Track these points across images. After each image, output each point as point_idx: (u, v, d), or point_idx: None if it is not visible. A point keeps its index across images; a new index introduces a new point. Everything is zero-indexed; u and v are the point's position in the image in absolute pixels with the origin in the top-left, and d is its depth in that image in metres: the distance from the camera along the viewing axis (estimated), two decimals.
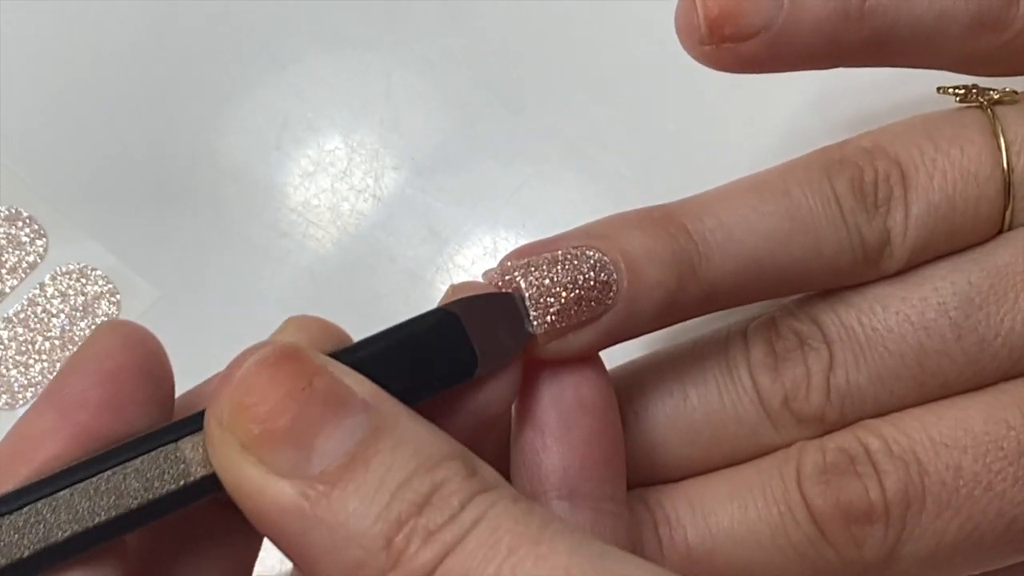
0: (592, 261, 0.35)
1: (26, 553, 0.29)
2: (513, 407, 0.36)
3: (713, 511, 0.38)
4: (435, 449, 0.29)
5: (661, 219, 0.36)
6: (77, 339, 0.48)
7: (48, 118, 0.52)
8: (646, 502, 0.39)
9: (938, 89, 0.40)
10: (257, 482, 0.28)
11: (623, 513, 0.36)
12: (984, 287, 0.37)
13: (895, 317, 0.38)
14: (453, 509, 0.28)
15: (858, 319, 0.38)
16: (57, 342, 0.48)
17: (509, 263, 0.35)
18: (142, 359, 0.31)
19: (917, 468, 0.36)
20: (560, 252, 0.35)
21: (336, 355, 0.31)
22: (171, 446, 0.30)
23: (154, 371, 0.31)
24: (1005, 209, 0.38)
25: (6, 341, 0.48)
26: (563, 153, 0.50)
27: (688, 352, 0.40)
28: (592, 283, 0.35)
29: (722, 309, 0.38)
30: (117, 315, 0.48)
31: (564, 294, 0.34)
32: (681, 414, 0.39)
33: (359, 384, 0.30)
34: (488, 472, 0.30)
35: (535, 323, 0.34)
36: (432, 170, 0.50)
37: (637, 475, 0.39)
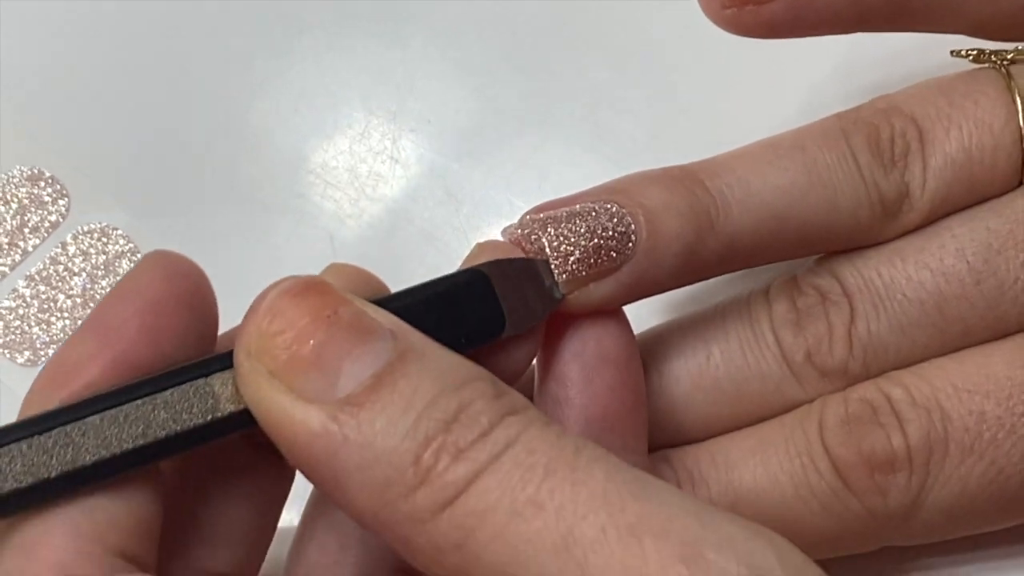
0: (611, 213, 0.35)
1: (53, 474, 0.29)
2: (536, 359, 0.36)
3: (735, 466, 0.38)
4: (463, 372, 0.30)
5: (680, 175, 0.37)
6: (98, 297, 0.48)
7: (71, 80, 0.52)
8: (669, 461, 0.39)
9: (952, 52, 0.40)
10: (286, 408, 0.29)
11: (645, 466, 0.36)
12: (1003, 232, 0.37)
13: (914, 265, 0.38)
14: (483, 427, 0.28)
15: (877, 270, 0.38)
16: (78, 300, 0.48)
17: (529, 218, 0.36)
18: (184, 290, 0.31)
19: (940, 415, 0.37)
20: (579, 206, 0.35)
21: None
22: (201, 380, 0.30)
23: (196, 303, 0.32)
24: (1023, 163, 0.38)
25: (28, 299, 0.48)
26: (577, 117, 0.50)
27: (711, 313, 0.40)
28: (611, 233, 0.35)
29: (742, 268, 0.38)
30: None
31: (583, 243, 0.35)
32: (705, 373, 0.39)
33: (384, 316, 0.30)
34: (517, 396, 0.30)
35: (555, 273, 0.35)
36: (449, 133, 0.51)
37: (661, 436, 0.39)
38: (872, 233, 0.38)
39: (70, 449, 0.29)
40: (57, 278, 0.49)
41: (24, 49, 0.53)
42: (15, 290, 0.48)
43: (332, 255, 0.49)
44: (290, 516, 0.36)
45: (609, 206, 0.35)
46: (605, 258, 0.35)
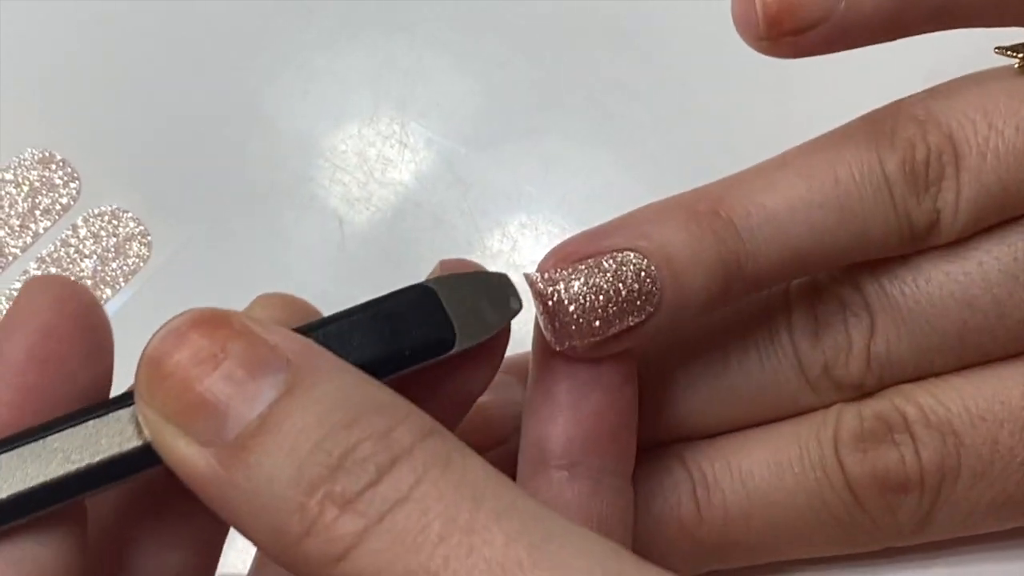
0: (635, 268, 0.34)
1: None
2: (530, 370, 0.36)
3: (751, 475, 0.38)
4: (355, 404, 0.28)
5: (706, 214, 0.35)
6: (108, 279, 0.48)
7: (82, 64, 0.53)
8: (684, 461, 0.39)
9: (996, 49, 0.38)
10: (181, 451, 0.28)
11: (625, 487, 0.36)
12: None
13: (939, 291, 0.37)
14: (370, 477, 0.27)
15: (901, 290, 0.37)
16: (89, 282, 0.48)
17: (551, 271, 0.34)
18: (76, 312, 0.30)
19: (954, 440, 0.37)
20: (604, 259, 0.34)
21: (302, 328, 0.30)
22: (121, 412, 0.29)
23: (89, 322, 0.31)
24: None
25: None
26: (584, 102, 0.50)
27: (729, 315, 0.39)
28: (636, 294, 0.34)
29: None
30: (148, 257, 0.49)
31: (609, 307, 0.34)
32: (722, 378, 0.39)
33: (287, 341, 0.28)
34: (415, 425, 0.28)
35: (575, 333, 0.34)
36: (457, 117, 0.51)
37: (674, 431, 0.39)
38: (898, 252, 0.37)
39: None
40: (68, 260, 0.49)
41: (36, 33, 0.53)
42: (26, 272, 0.49)
43: (341, 238, 0.49)
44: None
45: (634, 259, 0.34)
46: (629, 322, 0.34)
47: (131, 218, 0.49)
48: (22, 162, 0.50)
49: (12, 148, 0.51)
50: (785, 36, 0.35)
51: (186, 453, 0.28)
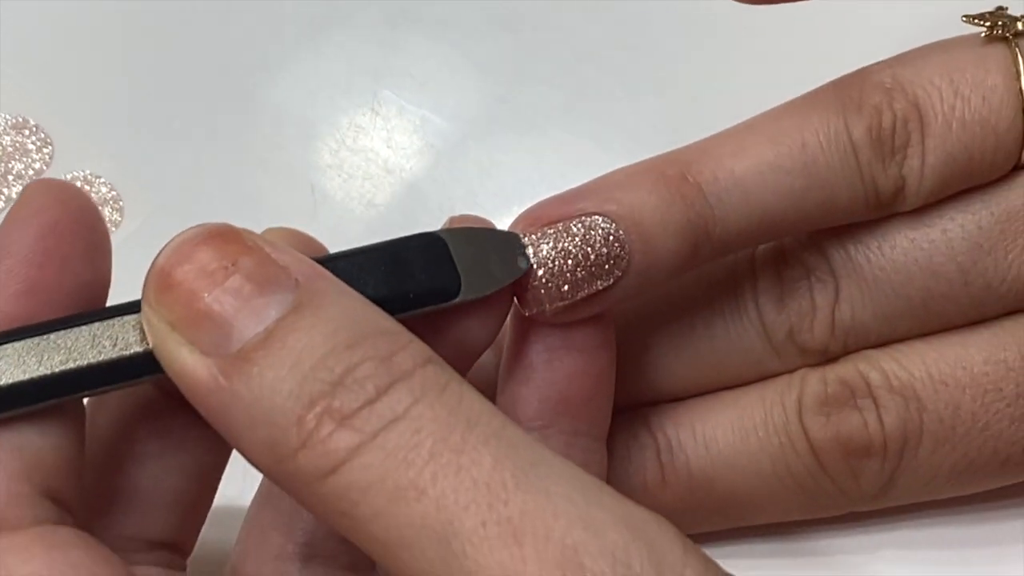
0: (603, 232, 0.34)
1: None
2: (507, 332, 0.36)
3: (715, 439, 0.38)
4: (360, 327, 0.28)
5: (675, 178, 0.35)
6: None
7: (57, 29, 0.53)
8: (648, 425, 0.39)
9: (963, 18, 0.38)
10: (184, 359, 0.28)
11: (598, 448, 0.36)
12: (994, 232, 0.37)
13: (903, 258, 0.37)
14: (368, 395, 0.27)
15: (866, 256, 0.38)
16: None
17: (522, 231, 0.35)
18: (76, 212, 0.31)
19: (916, 405, 0.37)
20: (573, 223, 0.34)
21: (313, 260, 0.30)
22: (119, 320, 0.30)
23: (90, 221, 0.31)
24: (1022, 149, 0.37)
25: None
26: (556, 70, 0.51)
27: (695, 279, 0.39)
28: (604, 258, 0.34)
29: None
30: (120, 222, 0.49)
31: (577, 271, 0.34)
32: (687, 343, 0.39)
33: (297, 263, 0.29)
34: (416, 353, 0.28)
35: (544, 296, 0.34)
36: (430, 86, 0.51)
37: (639, 395, 0.39)
38: (863, 218, 0.38)
39: None
40: None
41: None
42: None
43: (312, 205, 0.49)
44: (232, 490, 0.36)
45: (602, 223, 0.34)
46: (597, 280, 0.34)
47: (103, 183, 0.49)
48: None
49: None
50: None
51: (188, 361, 0.28)
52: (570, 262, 0.34)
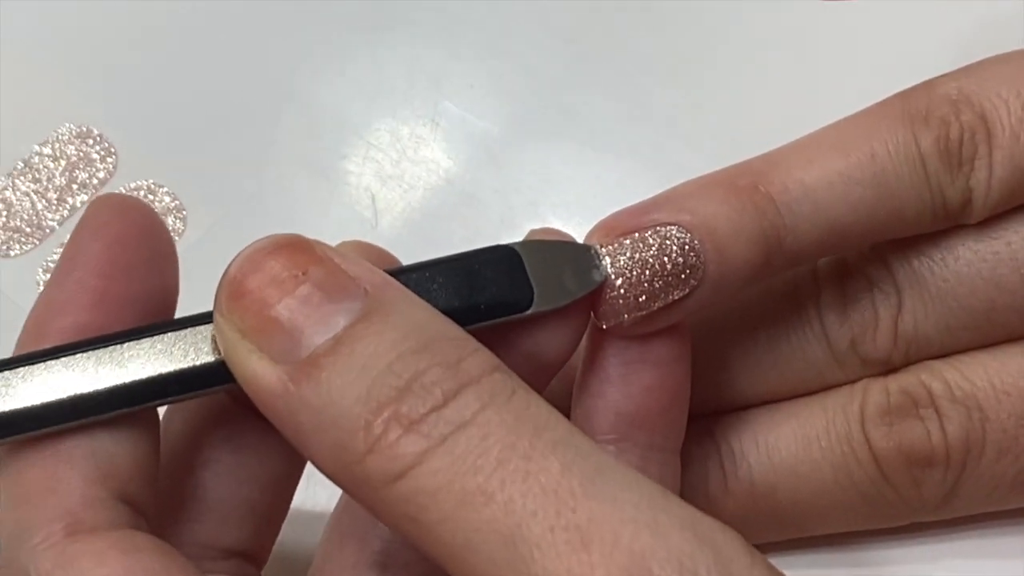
0: (679, 242, 0.34)
1: (40, 402, 0.30)
2: (583, 350, 0.36)
3: (778, 448, 0.38)
4: (427, 333, 0.29)
5: (746, 189, 0.35)
6: None
7: (120, 39, 0.53)
8: (711, 435, 0.39)
9: None
10: (253, 367, 0.29)
11: (672, 461, 0.36)
12: None
13: (967, 270, 0.37)
14: (436, 400, 0.28)
15: (930, 268, 0.38)
16: None
17: (597, 243, 0.35)
18: (139, 223, 0.32)
19: (979, 415, 0.37)
20: (648, 233, 0.34)
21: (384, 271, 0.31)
22: (190, 330, 0.31)
23: (154, 232, 0.32)
24: None
25: None
26: (616, 80, 0.51)
27: (759, 291, 0.39)
28: (680, 268, 0.34)
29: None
30: (184, 231, 0.49)
31: (654, 282, 0.34)
32: (751, 353, 0.39)
33: (366, 273, 0.29)
34: (483, 360, 0.29)
35: (621, 308, 0.34)
36: (490, 97, 0.51)
37: (702, 405, 0.39)
38: (929, 229, 0.38)
39: (59, 381, 0.30)
40: None
41: (74, 9, 0.54)
42: (63, 244, 0.49)
43: (373, 215, 0.49)
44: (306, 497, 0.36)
45: (677, 233, 0.34)
46: (673, 291, 0.34)
47: (167, 192, 0.50)
48: (60, 137, 0.51)
49: (50, 123, 0.51)
50: None
51: (257, 368, 0.29)
52: (647, 272, 0.34)
